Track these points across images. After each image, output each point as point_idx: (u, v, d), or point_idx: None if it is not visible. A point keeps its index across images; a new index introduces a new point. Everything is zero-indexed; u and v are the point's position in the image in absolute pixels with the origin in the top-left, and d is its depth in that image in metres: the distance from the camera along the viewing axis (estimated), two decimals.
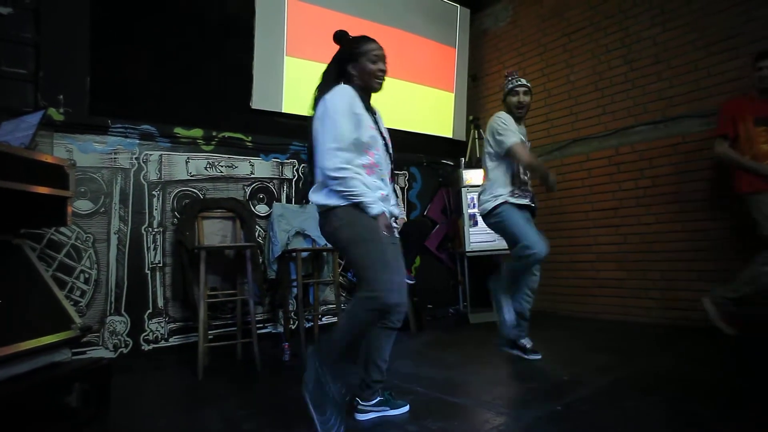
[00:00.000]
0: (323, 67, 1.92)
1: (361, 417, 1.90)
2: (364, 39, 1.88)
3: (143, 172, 3.20)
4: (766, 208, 2.79)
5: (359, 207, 1.74)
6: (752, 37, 3.21)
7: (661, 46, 3.68)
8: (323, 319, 3.83)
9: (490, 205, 2.64)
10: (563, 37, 4.38)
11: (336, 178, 1.70)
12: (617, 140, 3.94)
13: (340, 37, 1.92)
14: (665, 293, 3.61)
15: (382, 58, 1.87)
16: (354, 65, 1.85)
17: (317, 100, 1.82)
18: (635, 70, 3.84)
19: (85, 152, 2.99)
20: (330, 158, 1.70)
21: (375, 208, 1.74)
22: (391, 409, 1.94)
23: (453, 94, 4.96)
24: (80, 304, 2.88)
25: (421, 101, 4.72)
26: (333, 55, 1.92)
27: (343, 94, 1.79)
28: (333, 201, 1.76)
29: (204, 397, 2.34)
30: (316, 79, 1.89)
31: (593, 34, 4.14)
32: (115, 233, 3.06)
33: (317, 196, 1.82)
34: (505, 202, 2.59)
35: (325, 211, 1.81)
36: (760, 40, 3.16)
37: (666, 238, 3.61)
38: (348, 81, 1.86)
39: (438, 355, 3.06)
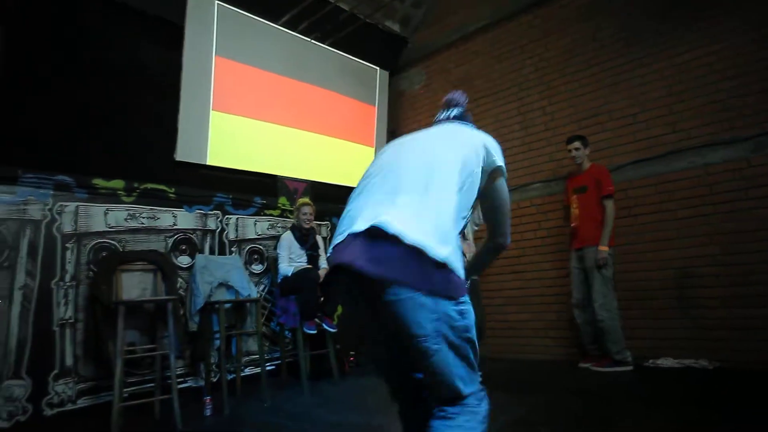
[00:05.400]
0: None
1: None
2: None
3: (57, 223, 3.09)
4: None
5: None
6: (615, 115, 3.88)
7: (550, 116, 4.30)
8: (246, 370, 3.80)
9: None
10: (471, 102, 4.87)
11: None
12: (518, 195, 4.43)
13: None
14: (560, 332, 4.05)
15: None
16: None
17: None
18: (530, 135, 4.42)
19: None
20: None
21: None
22: None
23: (373, 149, 5.31)
24: None
25: (343, 155, 5.01)
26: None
27: None
28: None
29: None
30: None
31: (495, 102, 4.72)
32: (19, 289, 2.90)
33: None
34: None
35: None
36: (621, 118, 3.84)
37: (561, 283, 4.08)
38: None
39: (359, 401, 3.18)
